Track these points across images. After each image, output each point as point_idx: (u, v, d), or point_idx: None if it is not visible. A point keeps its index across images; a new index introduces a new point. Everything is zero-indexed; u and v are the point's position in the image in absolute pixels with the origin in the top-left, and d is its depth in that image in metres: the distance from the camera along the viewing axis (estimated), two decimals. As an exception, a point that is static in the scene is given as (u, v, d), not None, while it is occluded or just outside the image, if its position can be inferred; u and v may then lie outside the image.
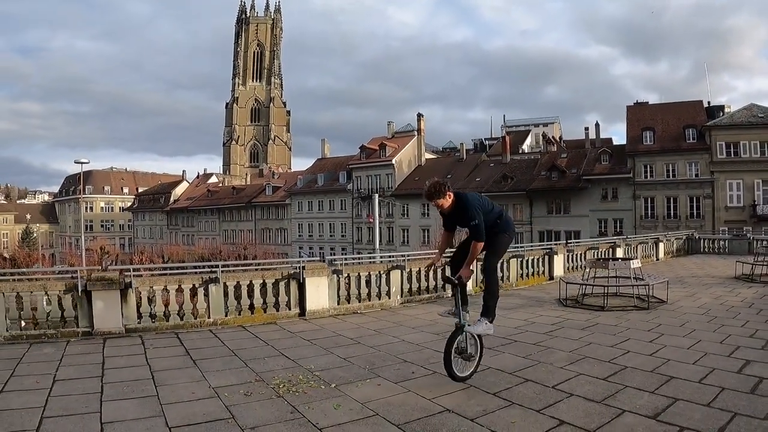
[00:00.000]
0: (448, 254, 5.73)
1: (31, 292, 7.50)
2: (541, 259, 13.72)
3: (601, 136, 51.74)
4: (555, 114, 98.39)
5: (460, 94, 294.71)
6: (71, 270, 9.16)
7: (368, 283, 9.86)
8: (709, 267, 16.67)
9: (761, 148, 36.88)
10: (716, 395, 4.41)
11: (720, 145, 38.00)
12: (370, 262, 12.42)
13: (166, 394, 4.79)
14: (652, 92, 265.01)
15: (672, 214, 39.53)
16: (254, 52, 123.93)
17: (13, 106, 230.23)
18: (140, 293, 7.93)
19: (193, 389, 4.92)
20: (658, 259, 19.84)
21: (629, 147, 41.96)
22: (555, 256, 13.93)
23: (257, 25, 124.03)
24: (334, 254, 51.25)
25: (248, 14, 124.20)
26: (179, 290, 8.21)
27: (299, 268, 9.04)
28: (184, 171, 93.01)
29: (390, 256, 11.82)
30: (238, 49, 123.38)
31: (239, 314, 8.43)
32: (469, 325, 4.91)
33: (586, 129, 52.39)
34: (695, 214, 38.76)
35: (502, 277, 12.38)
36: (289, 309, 8.86)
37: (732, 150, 37.71)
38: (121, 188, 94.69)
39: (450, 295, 10.22)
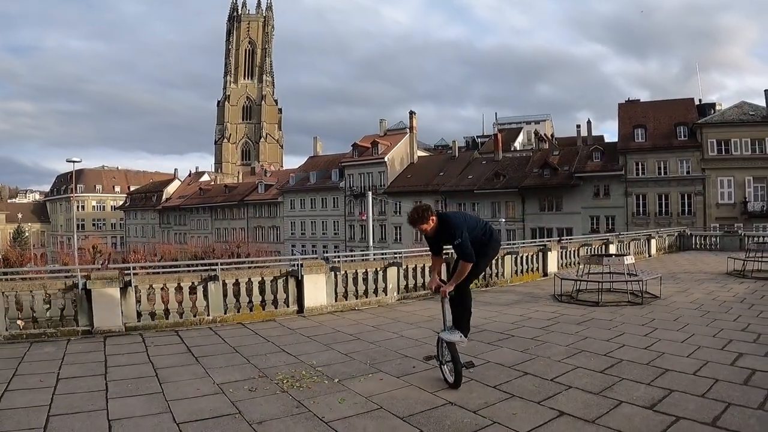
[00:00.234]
0: None
1: (31, 292, 7.49)
2: (535, 256, 13.86)
3: (593, 134, 51.97)
4: (547, 112, 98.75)
5: (453, 93, 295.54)
6: (69, 269, 9.19)
7: (365, 280, 9.94)
8: (701, 263, 16.88)
9: (752, 145, 37.23)
10: (710, 386, 4.54)
11: (711, 142, 38.33)
12: (363, 260, 12.49)
13: (171, 390, 4.84)
14: (644, 90, 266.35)
15: (663, 210, 39.85)
16: (246, 50, 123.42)
17: (4, 106, 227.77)
18: (140, 292, 7.96)
19: (198, 386, 4.97)
20: (650, 256, 20.03)
21: (621, 144, 42.20)
22: (549, 253, 14.09)
23: (249, 23, 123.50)
24: (327, 252, 51.24)
25: (240, 12, 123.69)
26: (178, 288, 8.24)
27: (297, 265, 9.11)
28: (176, 169, 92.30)
29: (383, 254, 11.86)
30: (230, 46, 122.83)
31: (238, 312, 8.48)
32: (443, 332, 4.88)
33: (578, 126, 52.67)
34: (687, 210, 39.09)
35: (497, 274, 12.53)
36: (288, 306, 8.92)
37: (723, 147, 38.04)
38: (113, 187, 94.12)
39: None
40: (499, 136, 55.67)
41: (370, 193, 36.53)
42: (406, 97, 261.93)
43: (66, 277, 8.18)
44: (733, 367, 5.13)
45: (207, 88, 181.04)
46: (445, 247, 5.19)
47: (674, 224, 33.93)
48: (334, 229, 59.31)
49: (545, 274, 13.69)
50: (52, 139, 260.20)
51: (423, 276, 10.74)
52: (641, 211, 40.63)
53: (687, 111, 41.84)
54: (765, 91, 38.12)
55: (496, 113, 78.75)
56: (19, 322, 7.27)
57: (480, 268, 5.07)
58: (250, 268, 9.83)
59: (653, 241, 20.82)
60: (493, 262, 12.36)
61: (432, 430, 3.83)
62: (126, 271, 7.94)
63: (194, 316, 8.15)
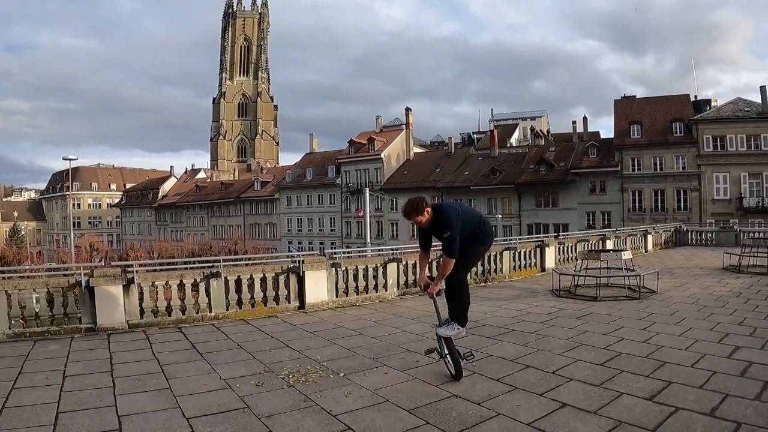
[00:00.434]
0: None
1: (34, 290, 7.54)
2: (533, 252, 13.96)
3: (589, 130, 52.14)
4: (543, 108, 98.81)
5: (448, 89, 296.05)
6: (69, 267, 9.22)
7: (366, 276, 10.01)
8: (698, 258, 17.02)
9: (748, 141, 37.47)
10: (708, 378, 4.63)
11: (707, 138, 38.54)
12: (359, 256, 12.56)
13: (179, 386, 4.89)
14: (640, 86, 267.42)
15: (659, 206, 40.06)
16: (241, 47, 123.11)
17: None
18: (142, 289, 8.01)
19: (205, 381, 5.03)
20: (646, 251, 20.18)
21: (617, 140, 42.38)
22: (547, 248, 14.19)
23: (244, 20, 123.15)
24: (324, 248, 51.22)
25: (235, 8, 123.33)
26: (181, 285, 8.29)
27: (299, 261, 9.17)
28: (171, 167, 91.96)
29: (380, 250, 11.95)
30: (225, 43, 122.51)
31: (240, 308, 8.54)
32: (439, 327, 4.91)
33: (574, 123, 52.76)
34: (682, 206, 39.33)
35: (496, 269, 12.63)
36: (289, 302, 8.99)
37: (719, 143, 38.26)
38: (109, 184, 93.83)
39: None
40: (495, 132, 55.74)
41: (367, 189, 36.57)
42: (402, 94, 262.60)
43: (66, 275, 8.21)
44: (730, 359, 5.22)
45: (202, 85, 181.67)
46: (434, 243, 5.13)
47: (670, 220, 34.11)
48: (331, 226, 59.37)
49: (543, 270, 13.80)
50: (47, 137, 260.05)
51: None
52: (637, 206, 40.86)
53: (683, 107, 42.04)
54: (761, 87, 38.28)
55: (492, 109, 78.44)
56: (22, 320, 7.32)
57: (472, 261, 5.10)
58: (250, 264, 9.89)
59: (650, 237, 20.96)
60: (492, 257, 12.47)
61: (438, 421, 3.90)
62: (129, 269, 7.99)
63: (196, 312, 8.20)
